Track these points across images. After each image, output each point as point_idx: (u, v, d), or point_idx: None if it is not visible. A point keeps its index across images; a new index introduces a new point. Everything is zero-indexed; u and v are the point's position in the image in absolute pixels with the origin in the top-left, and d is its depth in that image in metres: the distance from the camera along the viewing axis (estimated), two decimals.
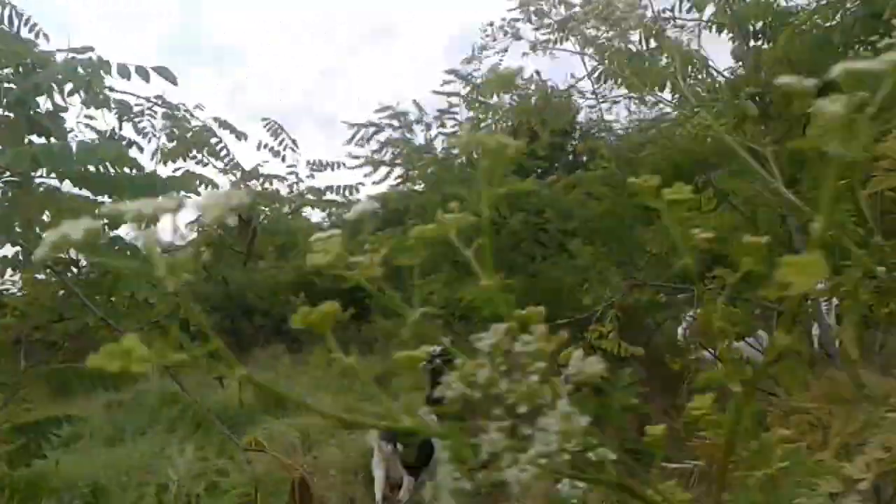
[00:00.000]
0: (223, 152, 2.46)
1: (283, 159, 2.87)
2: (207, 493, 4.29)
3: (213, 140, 2.39)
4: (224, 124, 2.41)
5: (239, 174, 2.54)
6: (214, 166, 2.48)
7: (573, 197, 4.94)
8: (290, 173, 2.79)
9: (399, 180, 5.86)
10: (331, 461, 5.35)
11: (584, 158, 5.43)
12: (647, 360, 5.07)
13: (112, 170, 1.81)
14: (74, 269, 1.98)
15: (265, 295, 11.33)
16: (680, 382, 5.41)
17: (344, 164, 5.04)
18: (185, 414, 7.11)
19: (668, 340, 5.38)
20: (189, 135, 2.30)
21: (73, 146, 1.78)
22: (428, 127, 5.64)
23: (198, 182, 2.17)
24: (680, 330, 5.43)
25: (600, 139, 6.35)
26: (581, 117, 8.87)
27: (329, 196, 2.75)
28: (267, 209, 2.41)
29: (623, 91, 3.88)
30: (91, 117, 2.18)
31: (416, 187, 6.33)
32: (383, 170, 5.56)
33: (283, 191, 2.74)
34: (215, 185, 2.13)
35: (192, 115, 2.33)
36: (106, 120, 2.19)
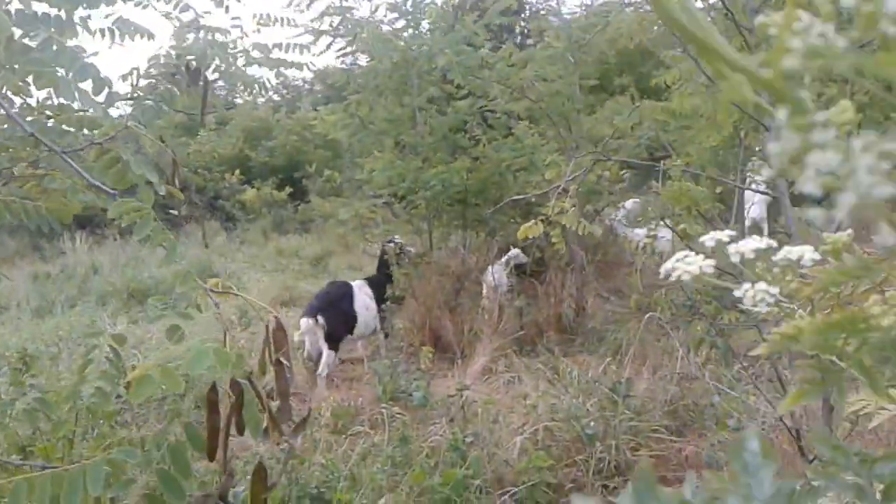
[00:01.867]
0: None
1: (227, 10, 2.57)
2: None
3: None
4: None
5: (180, 17, 2.25)
6: (156, 9, 2.21)
7: (524, 75, 4.84)
8: (235, 26, 2.48)
9: (340, 53, 5.59)
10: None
11: (535, 42, 5.28)
12: (585, 246, 5.19)
13: None
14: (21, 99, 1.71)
15: (200, 170, 10.93)
16: (616, 267, 5.59)
17: (294, 21, 4.70)
18: (115, 287, 6.97)
19: (604, 228, 5.49)
20: None
21: None
22: None
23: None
24: (616, 216, 5.55)
25: (549, 21, 6.16)
26: None
27: (277, 54, 2.47)
28: (218, 60, 2.15)
29: None
30: None
31: (359, 61, 6.06)
32: (325, 40, 5.29)
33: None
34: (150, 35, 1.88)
35: None
36: None
